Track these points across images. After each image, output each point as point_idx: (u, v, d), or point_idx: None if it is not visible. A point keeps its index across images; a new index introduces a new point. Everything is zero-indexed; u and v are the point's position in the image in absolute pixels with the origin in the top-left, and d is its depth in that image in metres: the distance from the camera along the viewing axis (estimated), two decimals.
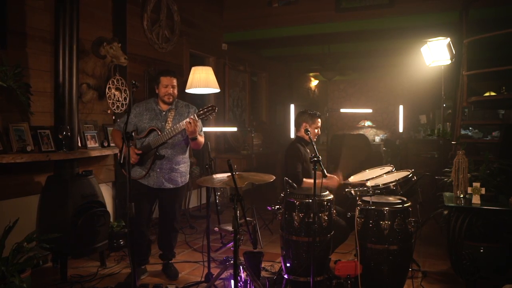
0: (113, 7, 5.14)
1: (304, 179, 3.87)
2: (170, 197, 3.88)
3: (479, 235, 3.46)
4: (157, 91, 3.83)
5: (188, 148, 3.93)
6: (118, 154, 3.82)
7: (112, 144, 4.74)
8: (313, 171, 3.01)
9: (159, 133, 3.63)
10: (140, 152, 3.67)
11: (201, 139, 3.79)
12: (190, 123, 3.49)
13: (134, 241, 3.68)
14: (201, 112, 3.51)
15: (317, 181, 2.98)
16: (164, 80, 3.76)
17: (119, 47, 4.66)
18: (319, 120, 4.05)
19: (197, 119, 3.51)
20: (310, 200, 3.08)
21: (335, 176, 4.04)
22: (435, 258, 4.39)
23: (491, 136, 6.54)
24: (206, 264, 3.79)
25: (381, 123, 12.29)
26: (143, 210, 3.78)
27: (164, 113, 3.79)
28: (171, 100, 3.78)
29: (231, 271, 3.13)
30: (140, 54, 5.59)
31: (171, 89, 3.76)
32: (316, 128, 4.02)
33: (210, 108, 3.51)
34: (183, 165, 3.89)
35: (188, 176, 3.98)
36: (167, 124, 3.73)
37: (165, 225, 3.99)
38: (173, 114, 3.78)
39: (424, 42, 5.40)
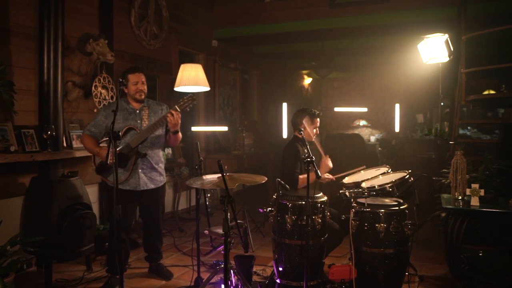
0: (99, 3, 5.06)
1: (300, 176, 3.81)
2: (152, 198, 3.85)
3: (478, 238, 3.44)
4: (126, 91, 3.73)
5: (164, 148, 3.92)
6: (93, 160, 3.75)
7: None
8: (309, 171, 2.98)
9: (138, 131, 3.58)
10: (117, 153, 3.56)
11: (180, 134, 3.78)
12: (172, 115, 3.46)
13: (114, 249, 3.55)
14: (182, 103, 3.48)
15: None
16: (133, 77, 3.68)
17: (105, 43, 4.59)
18: (318, 119, 4.02)
19: (179, 110, 3.47)
20: (303, 202, 3.05)
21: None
22: (433, 262, 4.35)
23: (490, 136, 6.49)
24: (195, 268, 3.76)
25: (377, 122, 12.26)
26: (126, 217, 3.64)
27: (138, 111, 3.73)
28: (142, 97, 3.72)
29: (222, 275, 3.12)
30: (128, 51, 5.51)
31: (141, 86, 3.70)
32: (315, 128, 3.99)
33: (190, 98, 3.49)
34: (161, 164, 3.88)
35: (165, 175, 3.96)
36: (143, 122, 3.68)
37: (149, 229, 3.96)
38: (147, 112, 3.74)
39: (421, 38, 5.38)
